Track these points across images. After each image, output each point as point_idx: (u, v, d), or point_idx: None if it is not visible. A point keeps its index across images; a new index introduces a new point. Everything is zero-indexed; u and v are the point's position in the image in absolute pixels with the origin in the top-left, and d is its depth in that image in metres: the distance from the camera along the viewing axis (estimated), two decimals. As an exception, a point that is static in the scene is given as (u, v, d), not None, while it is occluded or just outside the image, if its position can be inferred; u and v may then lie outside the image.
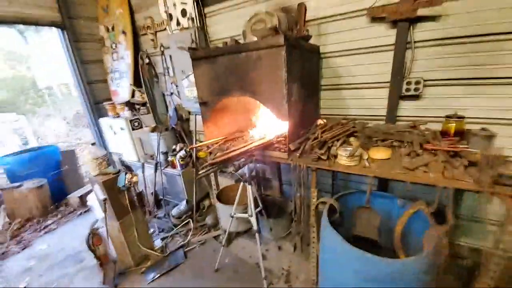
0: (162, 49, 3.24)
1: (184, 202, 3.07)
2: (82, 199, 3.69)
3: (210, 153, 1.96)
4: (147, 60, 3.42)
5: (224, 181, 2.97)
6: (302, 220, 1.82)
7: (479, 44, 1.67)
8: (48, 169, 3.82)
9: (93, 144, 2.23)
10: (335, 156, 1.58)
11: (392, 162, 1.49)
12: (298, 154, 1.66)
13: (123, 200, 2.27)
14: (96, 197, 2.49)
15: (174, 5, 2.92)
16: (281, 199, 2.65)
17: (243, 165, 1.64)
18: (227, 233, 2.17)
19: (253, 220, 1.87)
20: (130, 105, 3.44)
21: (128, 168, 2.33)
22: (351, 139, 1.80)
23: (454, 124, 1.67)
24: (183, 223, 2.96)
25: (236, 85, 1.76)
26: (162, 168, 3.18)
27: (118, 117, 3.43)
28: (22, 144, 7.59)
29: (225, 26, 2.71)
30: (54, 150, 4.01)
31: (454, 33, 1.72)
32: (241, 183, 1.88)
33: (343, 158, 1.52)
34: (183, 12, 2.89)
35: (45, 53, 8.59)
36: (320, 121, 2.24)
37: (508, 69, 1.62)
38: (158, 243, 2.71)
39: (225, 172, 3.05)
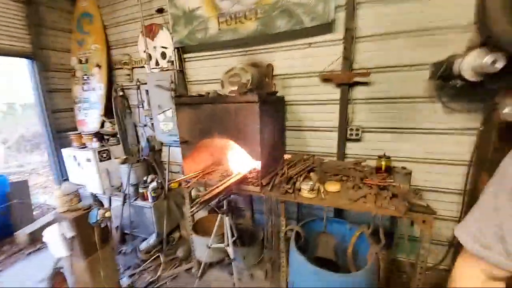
0: (138, 83, 3.39)
1: (154, 235, 3.04)
2: (32, 236, 3.30)
3: (183, 184, 2.13)
4: (120, 93, 3.51)
5: (197, 213, 3.07)
6: (273, 246, 2.07)
7: (397, 104, 2.30)
8: (-9, 203, 3.37)
9: (65, 180, 2.20)
10: (299, 190, 1.93)
11: (342, 194, 1.90)
12: (269, 188, 1.97)
13: (92, 236, 2.21)
14: (58, 235, 2.36)
15: (154, 47, 3.19)
16: (253, 227, 2.86)
17: (223, 199, 1.87)
18: (202, 264, 2.26)
19: (229, 249, 2.04)
20: (99, 135, 3.40)
21: (100, 203, 2.31)
22: (311, 174, 2.19)
23: (384, 162, 2.21)
24: (152, 258, 2.90)
25: (216, 129, 2.05)
26: (131, 200, 3.14)
27: (84, 147, 3.34)
28: None
29: (202, 71, 3.06)
30: (2, 181, 3.57)
31: (380, 95, 2.34)
32: (219, 215, 2.07)
33: (305, 191, 1.87)
34: (163, 55, 3.17)
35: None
36: (286, 156, 2.64)
37: (416, 122, 2.26)
38: (125, 281, 2.60)
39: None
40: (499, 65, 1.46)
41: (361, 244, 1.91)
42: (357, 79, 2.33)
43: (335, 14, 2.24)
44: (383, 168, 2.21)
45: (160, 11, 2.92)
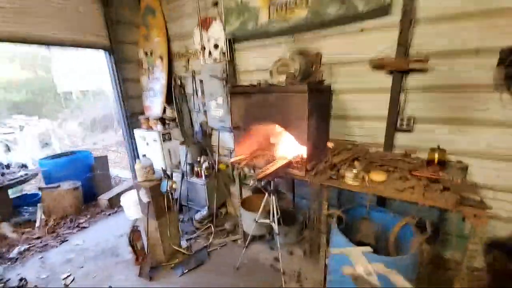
0: (193, 74, 3.76)
1: (206, 208, 3.49)
2: (111, 201, 4.11)
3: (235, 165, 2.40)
4: (179, 82, 3.94)
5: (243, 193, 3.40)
6: (314, 227, 2.24)
7: (455, 93, 2.13)
8: (81, 172, 4.27)
9: (143, 155, 2.69)
10: (343, 177, 2.02)
11: (387, 184, 1.92)
12: (313, 174, 2.11)
13: (162, 203, 2.70)
14: (135, 199, 2.93)
15: (208, 40, 3.46)
16: (294, 210, 3.06)
17: (270, 181, 2.08)
18: (250, 236, 2.58)
19: (274, 225, 2.29)
20: (162, 120, 3.93)
21: (169, 177, 2.77)
22: (355, 163, 2.24)
23: (437, 155, 2.12)
24: (204, 228, 3.37)
25: (266, 116, 2.24)
26: (188, 177, 3.63)
27: (151, 129, 3.91)
28: (41, 147, 8.06)
29: (252, 60, 3.23)
30: (88, 155, 4.48)
31: (439, 83, 2.19)
32: (265, 195, 2.32)
33: (349, 179, 1.96)
34: (216, 46, 3.43)
35: (66, 61, 9.20)
36: (330, 144, 2.70)
37: (477, 112, 2.08)
38: (183, 243, 3.11)
39: (245, 185, 3.48)
40: None
41: (404, 234, 1.94)
42: (413, 65, 2.20)
43: (393, -4, 2.13)
44: (435, 161, 2.13)
45: (216, 4, 3.13)
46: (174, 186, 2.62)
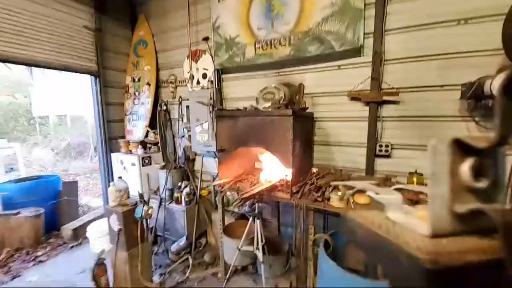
0: (180, 100, 3.83)
1: (184, 238, 3.22)
2: (76, 231, 3.68)
3: (216, 191, 2.32)
4: (164, 107, 3.96)
5: (225, 220, 3.22)
6: (301, 255, 2.13)
7: (426, 123, 2.35)
8: (47, 199, 3.86)
9: (119, 177, 2.53)
10: (328, 199, 2.02)
11: (371, 206, 1.94)
12: (298, 196, 2.08)
13: (135, 231, 2.46)
14: (103, 229, 2.65)
15: (197, 69, 3.64)
16: (279, 239, 2.92)
17: (256, 203, 2.02)
18: (231, 267, 2.37)
19: (259, 253, 2.14)
20: (143, 143, 3.82)
21: (145, 202, 2.58)
22: (340, 186, 2.28)
23: (416, 179, 2.23)
24: (181, 260, 3.06)
25: (252, 139, 2.27)
26: (166, 203, 3.41)
27: (130, 153, 3.76)
28: (5, 172, 7.34)
29: (238, 89, 3.40)
30: (55, 180, 4.11)
31: (410, 114, 2.42)
32: (250, 220, 2.21)
33: (335, 200, 1.96)
34: (204, 75, 3.59)
35: (47, 85, 9.00)
36: (313, 170, 2.74)
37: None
38: (155, 279, 2.77)
39: (227, 211, 3.32)
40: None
41: (392, 258, 1.90)
42: (386, 97, 2.44)
43: (364, 40, 2.45)
44: (415, 184, 2.22)
45: (206, 39, 3.37)
46: (150, 212, 2.43)
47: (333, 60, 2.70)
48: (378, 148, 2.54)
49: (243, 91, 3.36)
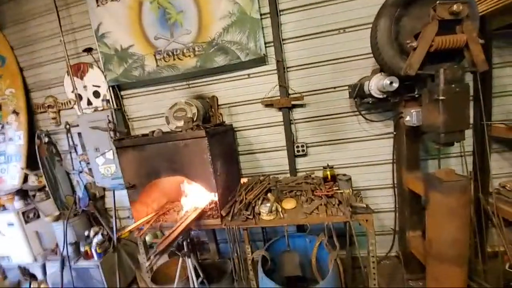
0: (67, 127, 3.04)
1: (106, 298, 2.61)
2: None
3: (135, 233, 1.96)
4: (46, 139, 3.07)
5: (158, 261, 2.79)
6: (242, 276, 2.03)
7: (328, 120, 2.64)
8: None
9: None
10: (259, 214, 1.98)
11: (297, 209, 2.02)
12: (229, 218, 1.96)
13: (22, 323, 1.78)
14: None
15: (85, 87, 2.96)
16: (220, 260, 2.74)
17: (183, 240, 1.77)
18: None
19: (197, 292, 1.91)
20: (22, 192, 2.86)
21: (31, 276, 1.90)
22: (269, 195, 2.27)
23: (329, 172, 2.47)
24: (106, 327, 2.47)
25: (166, 168, 1.98)
26: (72, 262, 2.67)
27: (4, 209, 2.75)
28: None
29: (144, 107, 2.96)
30: None
31: (314, 114, 2.66)
32: (180, 258, 1.94)
33: (265, 214, 1.93)
34: (96, 94, 2.96)
35: None
36: (243, 180, 2.68)
37: (346, 133, 2.62)
38: None
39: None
40: (395, 84, 1.87)
41: (322, 253, 2.04)
42: (294, 102, 2.60)
43: (266, 49, 2.51)
44: (329, 177, 2.46)
45: (89, 50, 2.76)
46: (43, 286, 1.81)
47: (242, 69, 2.67)
48: (296, 149, 2.70)
49: (151, 108, 2.95)
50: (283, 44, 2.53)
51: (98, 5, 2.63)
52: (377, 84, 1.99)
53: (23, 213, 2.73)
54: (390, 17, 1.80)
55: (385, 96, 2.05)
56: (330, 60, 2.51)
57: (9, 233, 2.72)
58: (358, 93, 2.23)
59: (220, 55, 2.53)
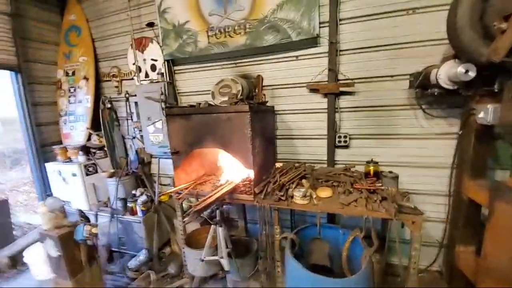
0: (127, 96, 3.37)
1: (143, 251, 2.91)
2: (13, 259, 3.07)
3: (174, 196, 2.09)
4: (108, 105, 3.46)
5: (189, 225, 3.00)
6: (268, 256, 2.05)
7: (379, 112, 2.42)
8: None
9: (48, 195, 2.11)
10: (292, 197, 1.95)
11: (333, 199, 1.93)
12: (262, 196, 1.97)
13: (79, 255, 2.10)
14: (42, 255, 2.23)
15: (144, 60, 3.21)
16: (247, 238, 2.81)
17: (216, 209, 1.85)
18: (195, 279, 2.19)
19: (224, 261, 2.00)
20: (85, 149, 3.31)
21: (86, 219, 2.22)
22: (303, 181, 2.22)
23: (372, 168, 2.29)
24: (141, 277, 2.77)
25: (208, 139, 2.06)
26: (119, 215, 3.03)
27: (69, 161, 3.23)
28: None
29: (193, 82, 3.10)
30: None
31: (364, 104, 2.46)
32: (211, 226, 2.04)
33: (298, 198, 1.89)
34: (153, 67, 3.19)
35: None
36: (277, 165, 2.66)
37: (399, 128, 2.37)
38: (112, 302, 2.46)
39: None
40: (472, 74, 1.60)
41: (355, 248, 1.93)
42: (342, 89, 2.44)
43: (320, 29, 2.37)
44: (371, 173, 2.28)
45: (151, 25, 2.97)
46: (93, 231, 2.09)
47: (291, 50, 2.59)
48: (337, 139, 2.55)
49: (198, 85, 3.08)
50: (340, 24, 2.36)
51: (162, -19, 2.79)
52: (448, 72, 1.72)
53: (85, 166, 3.17)
54: (478, -8, 1.52)
55: (456, 87, 1.77)
56: (392, 44, 2.25)
57: (72, 182, 3.19)
58: (421, 82, 1.97)
59: (270, 34, 2.48)
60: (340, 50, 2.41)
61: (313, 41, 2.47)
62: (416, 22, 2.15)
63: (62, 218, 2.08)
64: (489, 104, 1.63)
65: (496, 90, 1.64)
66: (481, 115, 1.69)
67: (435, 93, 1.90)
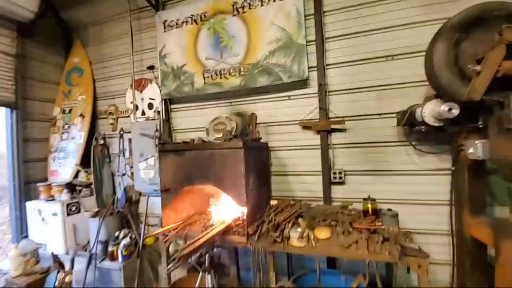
0: (121, 132, 3.38)
1: (121, 305, 2.55)
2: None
3: (160, 238, 1.93)
4: (101, 141, 3.44)
5: (175, 273, 2.70)
6: (262, 309, 1.80)
7: (371, 148, 2.45)
8: None
9: (24, 237, 1.92)
10: (288, 238, 1.81)
11: (332, 240, 1.80)
12: (256, 238, 1.83)
13: (44, 311, 1.81)
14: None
15: (142, 99, 3.32)
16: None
17: (205, 253, 1.68)
18: None
19: (212, 317, 1.74)
20: (71, 186, 3.15)
21: (61, 265, 1.98)
22: (300, 220, 2.10)
23: (370, 205, 2.21)
24: (115, 337, 2.37)
25: (200, 175, 2.01)
26: (98, 261, 2.73)
27: (52, 200, 3.04)
28: None
29: (188, 120, 3.17)
30: None
31: (356, 140, 2.51)
32: (199, 274, 1.83)
33: (295, 239, 1.76)
34: (150, 106, 3.29)
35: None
36: (272, 202, 2.55)
37: (392, 164, 2.37)
38: None
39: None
40: (455, 111, 1.68)
41: (359, 299, 1.73)
42: (334, 126, 2.51)
43: (309, 73, 2.56)
44: (370, 211, 2.19)
45: (151, 68, 3.16)
46: (67, 279, 1.86)
47: (282, 91, 2.74)
48: (332, 175, 2.52)
49: (194, 122, 3.14)
50: (327, 69, 2.55)
51: (165, 31, 3.07)
52: (433, 111, 1.81)
53: (67, 205, 2.97)
54: (449, 41, 1.70)
55: (441, 124, 1.84)
56: (376, 86, 2.42)
57: (52, 222, 2.94)
58: (408, 120, 2.05)
59: (263, 76, 2.65)
60: (329, 91, 2.56)
61: (303, 83, 2.63)
62: (395, 67, 2.34)
63: (34, 264, 1.86)
64: (477, 140, 1.68)
65: (481, 126, 1.70)
66: (470, 150, 1.71)
67: (422, 130, 1.96)
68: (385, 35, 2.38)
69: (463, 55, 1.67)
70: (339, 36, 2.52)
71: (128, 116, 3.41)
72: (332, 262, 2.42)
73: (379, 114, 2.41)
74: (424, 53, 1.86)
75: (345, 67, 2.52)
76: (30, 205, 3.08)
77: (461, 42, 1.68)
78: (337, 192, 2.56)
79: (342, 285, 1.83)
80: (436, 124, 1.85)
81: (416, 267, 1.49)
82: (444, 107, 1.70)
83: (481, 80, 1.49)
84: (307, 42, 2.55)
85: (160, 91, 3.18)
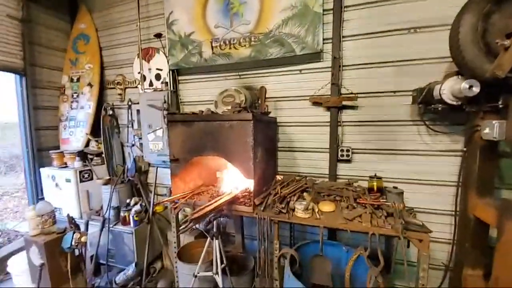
0: (130, 103, 3.38)
1: (133, 265, 2.74)
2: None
3: (170, 205, 2.01)
4: (110, 112, 3.46)
5: (183, 239, 2.86)
6: (266, 274, 1.92)
7: (382, 127, 2.40)
8: None
9: (40, 199, 2.02)
10: (293, 210, 1.87)
11: (336, 213, 1.85)
12: (262, 209, 1.89)
13: (64, 264, 1.97)
14: (26, 262, 2.09)
15: (149, 69, 3.26)
16: (243, 255, 2.67)
17: (213, 220, 1.76)
18: (187, 296, 2.03)
19: (218, 278, 1.87)
20: (82, 155, 3.25)
21: (76, 227, 2.10)
22: (305, 194, 2.15)
23: (375, 183, 2.23)
24: (129, 292, 2.59)
25: (209, 147, 2.02)
26: (111, 225, 2.89)
27: (65, 167, 3.15)
28: None
29: (196, 92, 3.12)
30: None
31: (367, 118, 2.45)
32: (208, 239, 1.93)
33: (300, 211, 1.81)
34: (158, 76, 3.23)
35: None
36: (278, 177, 2.60)
37: (402, 143, 2.34)
38: (95, 320, 2.27)
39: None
40: (476, 89, 1.60)
41: (359, 268, 1.81)
42: (345, 102, 2.44)
43: (323, 45, 2.43)
44: (375, 188, 2.21)
45: (159, 36, 3.04)
46: (83, 239, 1.98)
47: (294, 64, 2.63)
48: (339, 153, 2.51)
49: (202, 94, 3.09)
50: (343, 41, 2.42)
51: (172, -5, 2.90)
52: (452, 88, 1.73)
53: (80, 172, 3.08)
54: (478, 13, 1.56)
55: (459, 103, 1.77)
56: (394, 61, 2.29)
57: (65, 188, 3.09)
58: (424, 98, 1.98)
59: (275, 47, 2.53)
60: (343, 65, 2.45)
61: (316, 56, 2.51)
62: (417, 41, 2.20)
63: (51, 224, 1.97)
64: (494, 120, 1.62)
65: (500, 106, 1.63)
66: (486, 130, 1.66)
67: (439, 108, 1.89)
68: (411, 5, 2.19)
69: (492, 28, 1.54)
70: (360, 4, 2.34)
71: (136, 87, 3.38)
72: (333, 236, 2.52)
73: (394, 92, 2.32)
74: (450, 27, 1.73)
75: (363, 39, 2.37)
76: (44, 171, 3.21)
77: (491, 14, 1.54)
78: (343, 169, 2.57)
79: (343, 256, 1.92)
80: (454, 103, 1.78)
81: (417, 242, 1.53)
82: (464, 84, 1.62)
83: (509, 56, 1.39)
84: (323, 10, 2.38)
85: (168, 61, 3.10)
